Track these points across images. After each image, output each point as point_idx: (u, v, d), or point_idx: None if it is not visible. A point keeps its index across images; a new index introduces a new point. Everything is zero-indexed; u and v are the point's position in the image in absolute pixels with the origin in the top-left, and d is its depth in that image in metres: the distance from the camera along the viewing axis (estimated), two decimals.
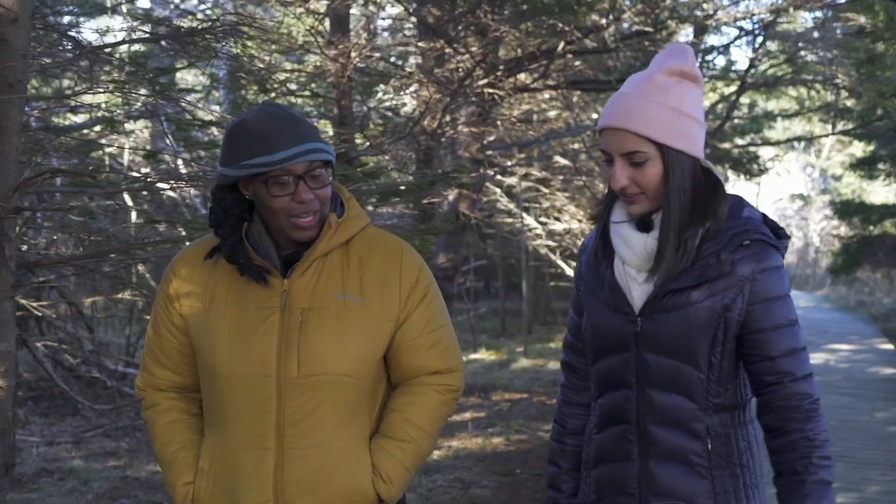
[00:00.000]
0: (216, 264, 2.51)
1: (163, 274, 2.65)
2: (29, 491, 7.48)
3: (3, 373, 3.48)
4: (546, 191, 15.37)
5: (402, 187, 4.84)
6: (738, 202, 2.47)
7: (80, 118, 9.73)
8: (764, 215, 2.49)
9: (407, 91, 9.94)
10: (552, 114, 14.11)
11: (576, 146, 15.20)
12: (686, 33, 13.00)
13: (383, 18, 11.07)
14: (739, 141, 19.95)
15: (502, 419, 10.13)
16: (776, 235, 2.44)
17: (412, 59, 10.83)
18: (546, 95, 12.95)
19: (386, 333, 2.50)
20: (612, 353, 2.49)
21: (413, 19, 9.70)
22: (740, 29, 14.43)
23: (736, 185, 28.23)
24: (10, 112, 3.43)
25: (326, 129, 11.48)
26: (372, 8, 9.23)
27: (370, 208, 5.37)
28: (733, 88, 16.85)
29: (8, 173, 3.46)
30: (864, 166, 21.14)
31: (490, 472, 7.99)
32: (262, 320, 2.43)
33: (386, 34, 12.08)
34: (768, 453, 2.42)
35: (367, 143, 7.38)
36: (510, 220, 15.71)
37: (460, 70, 8.21)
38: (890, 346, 15.25)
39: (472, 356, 15.22)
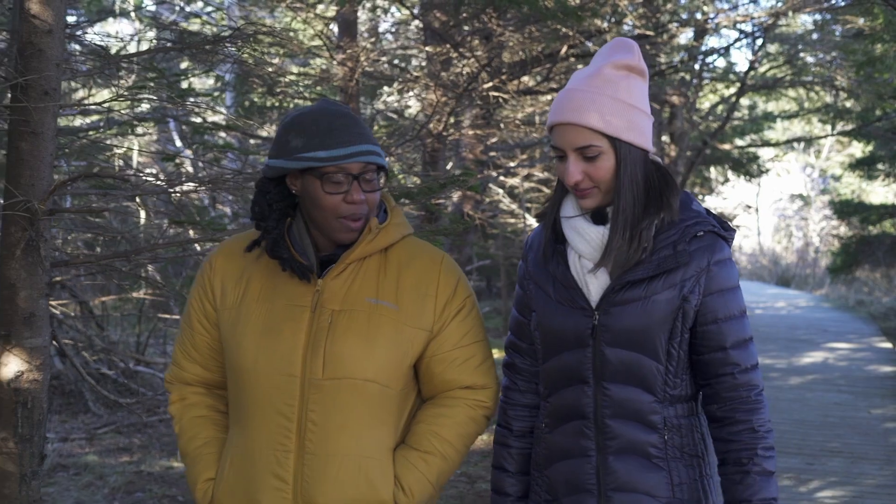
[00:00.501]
0: (254, 259, 2.51)
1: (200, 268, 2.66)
2: (46, 485, 7.66)
3: (39, 366, 3.65)
4: (548, 191, 15.56)
5: (414, 189, 5.01)
6: (687, 196, 2.50)
7: (88, 120, 9.90)
8: (708, 210, 2.51)
9: (411, 93, 10.13)
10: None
11: None
12: (686, 36, 13.17)
13: (387, 22, 11.22)
14: (739, 142, 20.12)
15: None
16: (723, 229, 2.47)
17: (415, 62, 10.98)
18: (548, 97, 13.12)
19: (418, 342, 2.47)
20: (566, 350, 2.47)
21: (418, 24, 9.85)
22: (740, 31, 14.61)
23: (736, 185, 28.34)
24: (45, 119, 3.61)
25: None
26: (379, 13, 9.40)
27: None
28: (733, 90, 17.03)
29: (43, 176, 3.64)
30: (864, 167, 21.06)
31: None
32: (292, 319, 2.41)
33: (389, 37, 12.24)
34: (713, 441, 2.47)
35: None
36: (513, 220, 15.87)
37: (466, 73, 8.38)
38: (888, 345, 15.41)
39: None
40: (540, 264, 2.55)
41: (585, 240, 2.43)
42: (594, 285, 2.42)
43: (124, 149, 8.42)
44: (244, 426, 2.44)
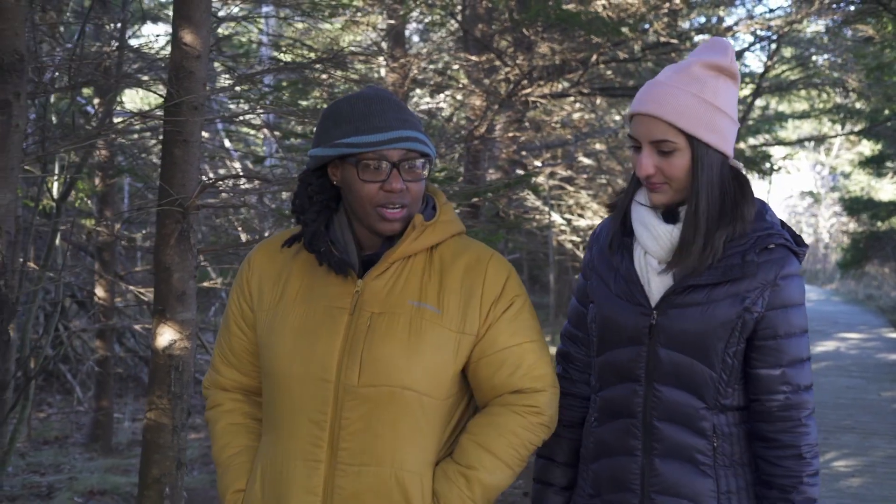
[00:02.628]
0: (293, 258, 2.41)
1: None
2: (126, 458, 8.40)
3: (188, 336, 4.38)
4: (571, 189, 16.23)
5: (481, 189, 5.71)
6: (763, 205, 2.42)
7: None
8: (782, 222, 2.44)
9: (443, 95, 10.86)
10: (576, 116, 14.99)
11: (598, 146, 16.15)
12: (706, 41, 13.83)
13: (434, 32, 11.92)
14: (752, 141, 20.77)
15: None
16: (795, 243, 2.39)
17: (454, 67, 11.67)
18: (571, 99, 13.83)
19: (464, 348, 2.30)
20: (621, 346, 2.40)
21: (456, 32, 10.56)
22: (755, 36, 15.28)
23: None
24: (194, 129, 4.33)
25: None
26: (423, 23, 10.12)
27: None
28: (747, 91, 17.69)
29: (192, 177, 4.37)
30: (873, 164, 21.58)
31: None
32: (329, 321, 2.28)
33: (421, 44, 12.95)
34: (756, 458, 2.38)
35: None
36: (538, 216, 16.54)
37: (510, 80, 9.10)
38: None
39: None
40: (605, 255, 2.48)
41: (653, 236, 2.37)
42: (656, 284, 2.36)
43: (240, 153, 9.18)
44: (276, 434, 2.32)
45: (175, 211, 4.30)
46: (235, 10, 6.61)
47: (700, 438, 2.35)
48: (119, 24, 5.99)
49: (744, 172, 2.40)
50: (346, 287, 2.30)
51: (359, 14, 8.11)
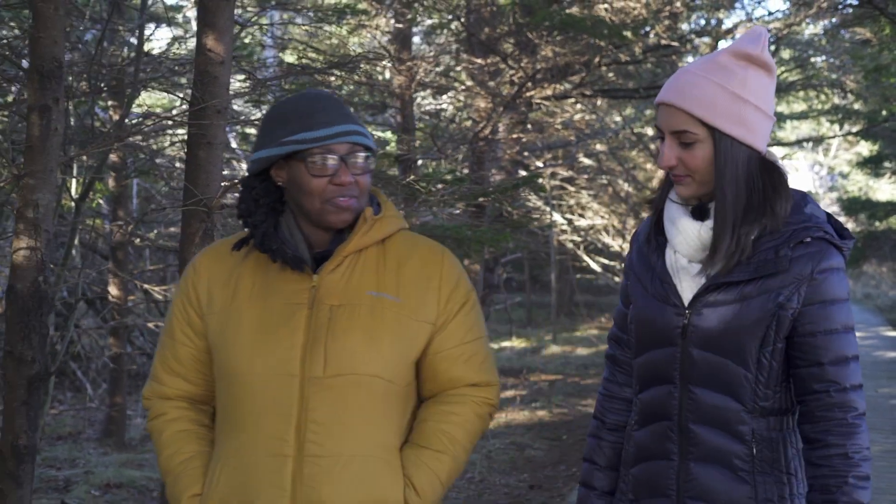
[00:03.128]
0: (242, 260, 2.39)
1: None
2: (140, 452, 8.58)
3: None
4: (572, 189, 16.45)
5: (490, 189, 5.89)
6: (803, 197, 2.31)
7: None
8: (828, 214, 2.33)
9: (446, 97, 11.07)
10: (576, 117, 15.21)
11: (599, 147, 16.36)
12: (705, 43, 14.05)
13: (429, 32, 12.10)
14: None
15: (543, 395, 11.28)
16: (839, 236, 2.28)
17: (458, 69, 11.86)
18: (572, 101, 14.05)
19: (422, 336, 2.34)
20: (656, 347, 2.34)
21: (460, 35, 10.74)
22: None
23: None
24: (217, 133, 4.51)
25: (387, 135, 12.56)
26: (427, 25, 10.32)
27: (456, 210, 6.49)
28: None
29: (216, 178, 4.54)
30: (871, 165, 21.85)
31: (540, 438, 9.13)
32: (288, 317, 2.27)
33: (426, 46, 13.14)
34: (805, 464, 2.27)
35: (435, 148, 8.45)
36: (540, 216, 16.76)
37: (514, 82, 9.30)
38: (894, 333, 16.33)
39: (505, 343, 16.34)
40: (643, 255, 2.44)
41: (682, 235, 2.30)
42: (687, 283, 2.30)
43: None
44: (237, 434, 2.28)
45: (200, 211, 4.47)
46: (248, 15, 6.79)
47: (738, 443, 2.26)
48: (137, 31, 6.17)
49: (780, 165, 2.29)
50: (302, 283, 2.30)
51: (364, 17, 8.30)
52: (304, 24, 7.20)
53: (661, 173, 2.45)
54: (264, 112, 4.97)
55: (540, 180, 11.10)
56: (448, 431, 2.34)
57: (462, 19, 9.63)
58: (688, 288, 2.30)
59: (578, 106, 14.33)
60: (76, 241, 6.70)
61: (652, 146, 15.67)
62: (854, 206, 22.54)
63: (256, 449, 2.23)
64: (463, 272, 2.45)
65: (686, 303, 2.29)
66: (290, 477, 2.20)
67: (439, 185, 6.31)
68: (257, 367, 2.24)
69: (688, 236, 2.29)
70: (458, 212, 9.17)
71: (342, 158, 2.24)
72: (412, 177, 5.93)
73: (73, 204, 6.44)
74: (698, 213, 2.31)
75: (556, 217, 16.59)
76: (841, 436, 2.18)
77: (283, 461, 2.21)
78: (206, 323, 2.36)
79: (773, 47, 16.39)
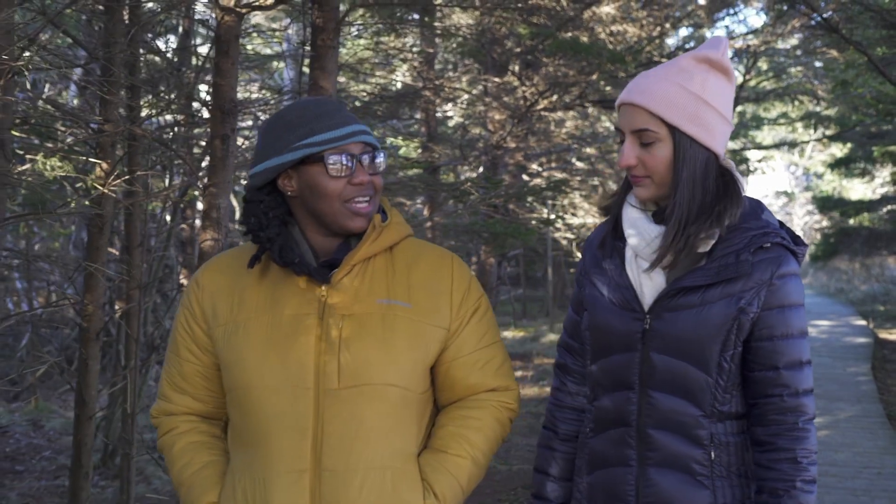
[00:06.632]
0: (246, 272, 2.33)
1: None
2: None
3: None
4: (567, 189, 17.71)
5: (513, 192, 7.18)
6: (758, 205, 2.32)
7: None
8: (781, 223, 2.34)
9: (470, 110, 12.39)
10: (569, 123, 16.55)
11: (590, 151, 17.69)
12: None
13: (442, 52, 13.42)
14: (731, 145, 22.30)
15: (548, 375, 12.63)
16: (794, 242, 2.29)
17: (471, 83, 13.17)
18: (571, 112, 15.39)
19: (436, 341, 2.29)
20: (614, 353, 2.32)
21: (479, 56, 12.05)
22: (734, 50, 16.85)
23: None
24: None
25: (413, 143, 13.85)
26: (454, 51, 11.65)
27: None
28: None
29: None
30: (843, 166, 22.65)
31: None
32: (299, 328, 2.21)
33: (448, 64, 14.44)
34: (754, 465, 2.28)
35: (460, 155, 9.76)
36: (534, 214, 18.02)
37: (526, 98, 10.64)
38: (863, 322, 17.79)
39: (505, 333, 17.71)
40: (597, 261, 2.42)
41: (642, 238, 2.29)
42: (648, 287, 2.29)
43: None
44: (252, 448, 2.23)
45: None
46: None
47: (696, 448, 2.25)
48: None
49: (735, 173, 2.30)
50: (310, 293, 2.24)
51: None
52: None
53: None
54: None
55: (550, 182, 12.40)
56: (467, 436, 2.31)
57: (482, 42, 10.95)
58: (648, 293, 2.28)
59: (571, 113, 15.68)
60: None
61: None
62: (827, 204, 23.55)
63: (272, 463, 2.17)
64: (473, 277, 2.42)
65: (646, 307, 2.28)
66: (308, 491, 2.16)
67: (468, 187, 7.64)
68: (269, 379, 2.19)
69: (649, 240, 2.27)
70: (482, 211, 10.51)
71: (358, 158, 2.21)
72: (463, 178, 7.22)
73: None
74: (659, 218, 2.31)
75: (552, 216, 17.84)
76: (791, 440, 2.20)
77: (300, 476, 2.16)
78: (211, 337, 2.31)
79: (751, 60, 17.77)
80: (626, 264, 2.32)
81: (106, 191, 4.84)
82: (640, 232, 2.28)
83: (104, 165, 5.09)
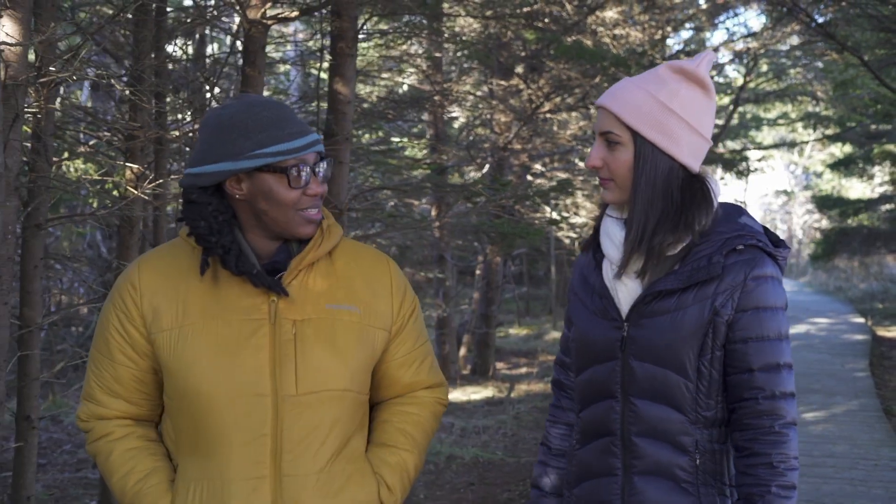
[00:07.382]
0: (186, 274, 2.27)
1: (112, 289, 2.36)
2: None
3: None
4: (570, 190, 17.96)
5: (523, 192, 7.44)
6: (737, 210, 2.34)
7: None
8: (765, 228, 2.33)
9: (476, 112, 12.65)
10: (573, 125, 16.80)
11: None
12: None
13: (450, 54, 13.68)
14: (731, 144, 22.56)
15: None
16: (774, 245, 2.28)
17: (478, 86, 13.42)
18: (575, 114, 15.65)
19: (380, 343, 2.33)
20: (597, 363, 2.33)
21: (485, 60, 12.30)
22: (734, 52, 17.12)
23: (727, 183, 30.57)
24: (345, 152, 6.07)
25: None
26: (459, 52, 11.91)
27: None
28: (727, 100, 19.54)
29: (343, 188, 6.11)
30: (842, 166, 22.92)
31: None
32: (251, 334, 2.19)
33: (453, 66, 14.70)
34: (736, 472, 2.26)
35: (471, 156, 10.01)
36: (538, 214, 18.26)
37: (532, 100, 10.90)
38: (861, 320, 18.07)
39: (510, 330, 18.00)
40: (583, 275, 2.45)
41: (613, 244, 2.31)
42: (624, 294, 2.30)
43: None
44: (208, 457, 2.19)
45: (333, 212, 6.02)
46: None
47: (681, 455, 2.23)
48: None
49: (709, 181, 2.30)
50: (258, 297, 2.22)
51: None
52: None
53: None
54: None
55: (553, 183, 12.65)
56: (409, 431, 2.39)
57: (489, 46, 11.21)
58: (625, 300, 2.29)
59: (574, 114, 15.93)
60: None
61: None
62: (827, 203, 23.71)
63: (230, 471, 2.15)
64: (406, 278, 2.46)
65: (624, 315, 2.28)
66: (269, 498, 2.15)
67: (479, 188, 7.90)
68: (223, 387, 2.16)
69: (618, 244, 2.30)
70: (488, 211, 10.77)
71: (313, 170, 2.21)
72: (474, 181, 7.48)
73: None
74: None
75: (555, 215, 18.08)
76: (767, 444, 2.16)
77: (260, 482, 2.15)
78: (152, 342, 2.24)
79: (751, 62, 18.04)
80: (603, 272, 2.35)
81: (138, 193, 5.09)
82: (612, 238, 2.31)
83: (135, 169, 5.36)
